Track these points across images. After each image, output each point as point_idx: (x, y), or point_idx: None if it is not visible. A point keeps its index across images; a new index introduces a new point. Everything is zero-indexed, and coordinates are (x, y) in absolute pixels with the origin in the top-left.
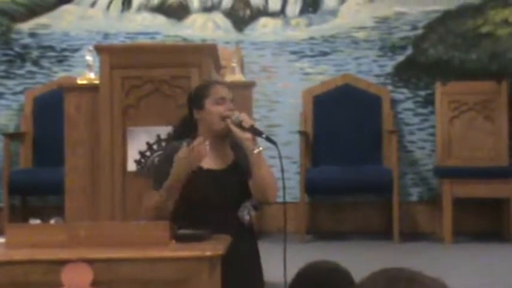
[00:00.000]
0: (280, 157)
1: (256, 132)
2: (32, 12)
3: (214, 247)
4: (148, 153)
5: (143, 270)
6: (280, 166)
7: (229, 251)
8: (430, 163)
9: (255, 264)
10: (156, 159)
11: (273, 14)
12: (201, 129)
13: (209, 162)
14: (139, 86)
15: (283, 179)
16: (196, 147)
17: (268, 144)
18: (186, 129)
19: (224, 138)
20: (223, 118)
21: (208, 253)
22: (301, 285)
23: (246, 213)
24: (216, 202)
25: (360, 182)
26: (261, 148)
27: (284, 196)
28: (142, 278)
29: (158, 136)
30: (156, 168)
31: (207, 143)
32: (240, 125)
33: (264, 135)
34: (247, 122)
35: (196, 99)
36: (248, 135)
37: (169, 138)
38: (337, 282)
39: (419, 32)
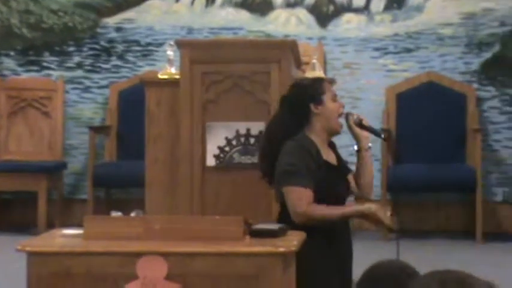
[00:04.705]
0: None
1: (375, 132)
2: (119, 7)
3: (288, 243)
4: (227, 149)
5: (216, 265)
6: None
7: (345, 241)
8: None
9: (351, 254)
10: (286, 158)
11: (357, 10)
12: (317, 125)
13: (328, 158)
14: (219, 81)
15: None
16: None
17: None
18: (293, 127)
19: (332, 136)
20: (340, 116)
21: (281, 249)
22: (368, 283)
23: None
24: (341, 196)
25: (442, 181)
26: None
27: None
28: (216, 273)
29: (237, 131)
30: (299, 166)
31: None
32: (360, 123)
33: (383, 136)
34: (366, 121)
35: (316, 94)
36: (367, 133)
37: (275, 133)
38: (403, 280)
39: (508, 28)
